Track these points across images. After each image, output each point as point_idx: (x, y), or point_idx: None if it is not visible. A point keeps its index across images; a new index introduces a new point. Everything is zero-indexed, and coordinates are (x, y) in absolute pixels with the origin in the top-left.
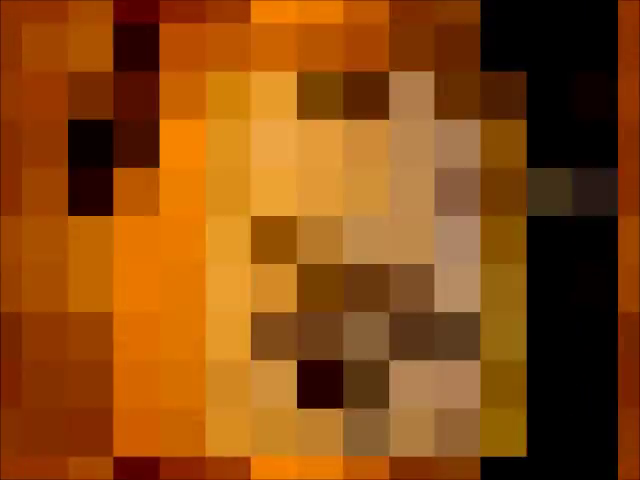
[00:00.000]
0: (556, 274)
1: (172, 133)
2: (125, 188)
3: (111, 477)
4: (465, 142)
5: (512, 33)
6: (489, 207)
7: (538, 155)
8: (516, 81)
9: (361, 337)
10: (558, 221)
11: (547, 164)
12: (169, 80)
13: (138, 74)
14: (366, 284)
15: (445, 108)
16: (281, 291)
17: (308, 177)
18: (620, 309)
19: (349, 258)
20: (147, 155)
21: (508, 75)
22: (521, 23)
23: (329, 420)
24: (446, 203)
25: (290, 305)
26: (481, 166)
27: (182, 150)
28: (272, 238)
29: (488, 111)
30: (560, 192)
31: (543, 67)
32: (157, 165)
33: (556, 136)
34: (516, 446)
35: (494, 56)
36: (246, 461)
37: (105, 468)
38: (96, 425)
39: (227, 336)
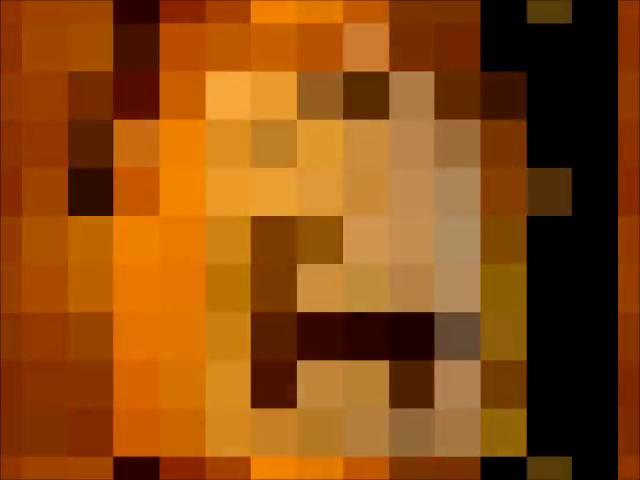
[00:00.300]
0: (556, 274)
1: (172, 133)
2: (125, 188)
3: (111, 477)
4: (465, 142)
5: (512, 33)
6: (489, 207)
7: (538, 155)
8: (516, 81)
9: (361, 336)
10: (558, 221)
11: (547, 164)
12: (169, 80)
13: (138, 74)
14: (366, 284)
15: (445, 108)
16: (281, 290)
17: (308, 177)
18: (620, 309)
19: (349, 258)
20: (147, 155)
21: (508, 75)
22: (521, 23)
23: (330, 420)
24: (446, 203)
25: (291, 305)
26: (481, 166)
27: (182, 150)
28: (272, 238)
29: (488, 111)
30: (560, 192)
31: (543, 67)
32: (157, 165)
33: (556, 136)
34: (516, 446)
35: (494, 56)
36: (246, 461)
37: (105, 468)
38: (96, 425)
39: (227, 336)
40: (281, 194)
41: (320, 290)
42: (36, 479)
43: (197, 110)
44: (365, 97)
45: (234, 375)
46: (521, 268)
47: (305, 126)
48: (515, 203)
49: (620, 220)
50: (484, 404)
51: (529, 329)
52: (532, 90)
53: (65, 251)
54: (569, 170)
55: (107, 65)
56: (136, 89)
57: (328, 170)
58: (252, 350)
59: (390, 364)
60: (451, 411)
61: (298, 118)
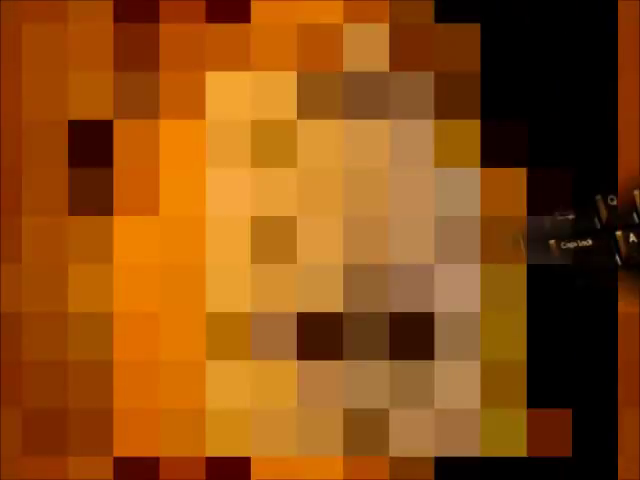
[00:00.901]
0: (556, 274)
1: (172, 133)
2: (125, 188)
3: (111, 477)
4: (465, 142)
5: (512, 33)
6: (489, 207)
7: (538, 155)
8: (517, 81)
9: (361, 338)
10: (558, 222)
11: (547, 164)
12: (169, 80)
13: (138, 73)
14: (366, 284)
15: (445, 108)
16: (281, 291)
17: (308, 177)
18: (620, 309)
19: (349, 258)
20: (147, 155)
21: (509, 75)
22: (521, 22)
23: (329, 420)
24: (446, 203)
25: (290, 305)
26: (481, 165)
27: (182, 150)
28: (272, 238)
29: (488, 111)
30: (560, 193)
31: (544, 67)
32: (157, 165)
33: (556, 136)
34: (516, 446)
35: (494, 56)
36: (246, 461)
37: (105, 468)
38: (96, 425)
39: (227, 336)
40: (281, 194)
41: (320, 290)
42: (36, 479)
43: (197, 110)
44: (365, 97)
45: (234, 375)
46: (521, 268)
47: (305, 126)
48: (515, 203)
49: None
50: (484, 404)
51: (529, 329)
52: (532, 90)
53: (65, 251)
54: (569, 170)
55: (107, 65)
56: (136, 88)
57: (328, 170)
58: (252, 350)
59: (390, 364)
60: (451, 411)
61: (298, 118)
